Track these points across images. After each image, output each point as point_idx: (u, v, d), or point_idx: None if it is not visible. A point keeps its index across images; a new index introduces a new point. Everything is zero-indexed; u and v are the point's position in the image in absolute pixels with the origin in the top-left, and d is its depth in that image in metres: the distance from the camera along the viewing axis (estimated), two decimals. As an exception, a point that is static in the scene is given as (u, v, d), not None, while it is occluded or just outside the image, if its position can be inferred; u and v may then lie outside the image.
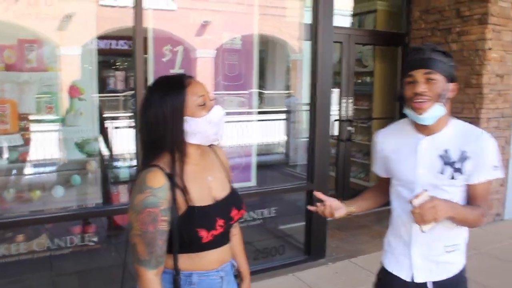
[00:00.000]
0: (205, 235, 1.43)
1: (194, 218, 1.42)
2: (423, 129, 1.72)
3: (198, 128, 1.45)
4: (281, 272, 3.89)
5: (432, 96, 1.62)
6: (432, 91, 1.62)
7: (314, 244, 4.13)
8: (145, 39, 3.44)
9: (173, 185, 1.42)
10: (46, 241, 3.48)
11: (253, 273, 3.70)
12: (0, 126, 3.31)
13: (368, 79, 6.51)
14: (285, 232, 4.49)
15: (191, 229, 1.42)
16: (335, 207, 1.82)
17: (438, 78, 1.62)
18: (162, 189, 1.39)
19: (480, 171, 1.67)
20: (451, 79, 1.66)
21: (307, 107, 4.25)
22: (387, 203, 1.95)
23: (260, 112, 6.40)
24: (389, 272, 1.84)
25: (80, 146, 3.62)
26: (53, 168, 3.75)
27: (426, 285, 1.76)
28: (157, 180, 1.39)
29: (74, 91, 3.54)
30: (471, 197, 1.72)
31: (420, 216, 1.49)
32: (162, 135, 1.44)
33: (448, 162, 1.68)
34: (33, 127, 3.52)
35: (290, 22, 4.78)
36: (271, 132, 6.81)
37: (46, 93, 3.50)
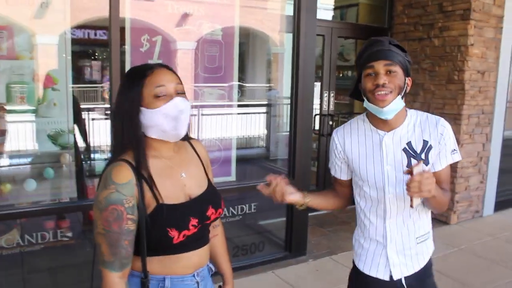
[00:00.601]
0: (176, 235, 1.33)
1: (163, 216, 1.32)
2: (382, 125, 1.69)
3: (153, 121, 1.34)
4: (261, 269, 3.82)
5: (393, 87, 1.58)
6: (394, 83, 1.58)
7: (294, 241, 4.07)
8: (122, 29, 3.33)
9: (140, 180, 1.31)
10: (16, 236, 3.35)
11: (233, 270, 3.68)
12: (-32, 116, 3.17)
13: (349, 73, 6.47)
14: (265, 228, 4.42)
15: (160, 229, 1.31)
16: (287, 191, 1.67)
17: (398, 70, 1.59)
18: (128, 185, 1.29)
19: (442, 157, 1.68)
20: (407, 73, 1.64)
21: (288, 101, 4.18)
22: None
23: (240, 105, 6.33)
24: (365, 274, 1.79)
25: (54, 138, 3.48)
26: (25, 160, 3.60)
27: (401, 282, 1.74)
28: (123, 175, 1.30)
29: (47, 81, 3.40)
30: (441, 182, 1.70)
31: (418, 186, 1.43)
32: (121, 125, 1.35)
33: (412, 155, 1.66)
34: (3, 117, 3.37)
35: (272, 15, 4.71)
36: (251, 125, 6.74)
37: (17, 82, 3.35)
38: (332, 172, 1.88)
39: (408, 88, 1.64)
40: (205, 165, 1.56)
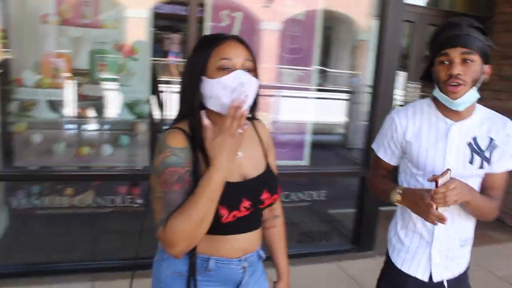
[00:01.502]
0: (226, 215, 1.25)
1: None
2: (451, 114, 1.54)
3: (211, 91, 1.26)
4: (325, 259, 3.69)
5: (469, 79, 1.43)
6: (469, 74, 1.43)
7: (363, 234, 3.88)
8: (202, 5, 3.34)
9: (195, 149, 1.25)
10: (91, 197, 3.50)
11: (295, 256, 3.61)
12: (54, 80, 3.31)
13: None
14: (333, 218, 4.29)
15: None
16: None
17: (476, 59, 1.43)
18: (184, 150, 1.24)
19: (503, 160, 1.56)
20: (486, 60, 1.46)
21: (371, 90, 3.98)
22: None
23: (320, 90, 6.15)
24: (402, 272, 1.67)
25: (130, 106, 3.57)
26: (103, 126, 3.73)
27: (442, 284, 1.63)
28: (177, 140, 1.25)
29: (127, 51, 3.47)
30: (487, 188, 1.58)
31: (443, 197, 1.34)
32: (182, 94, 1.32)
33: (476, 151, 1.53)
34: (85, 83, 3.51)
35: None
36: (330, 111, 6.57)
37: (99, 51, 3.45)
38: (381, 155, 1.74)
39: (487, 77, 1.48)
40: (266, 148, 1.47)
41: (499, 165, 1.56)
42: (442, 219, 1.37)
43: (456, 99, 1.46)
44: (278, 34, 4.07)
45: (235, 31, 3.72)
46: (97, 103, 3.62)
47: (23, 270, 3.08)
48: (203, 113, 1.25)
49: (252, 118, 1.46)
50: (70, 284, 2.96)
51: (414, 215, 1.58)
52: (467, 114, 1.54)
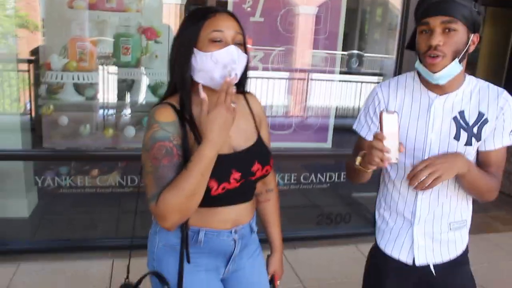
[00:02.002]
0: (215, 187, 1.26)
1: None
2: (434, 87, 1.42)
3: (202, 65, 1.27)
4: (344, 242, 3.68)
5: (449, 51, 1.31)
6: (450, 44, 1.30)
7: (384, 217, 3.85)
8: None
9: (184, 123, 1.27)
10: (117, 177, 3.61)
11: (314, 238, 3.62)
12: (80, 64, 3.42)
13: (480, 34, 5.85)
14: (354, 200, 4.26)
15: None
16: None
17: (459, 28, 1.30)
18: (172, 124, 1.25)
19: (497, 136, 1.43)
20: (473, 29, 1.33)
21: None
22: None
23: (350, 73, 6.05)
24: (385, 254, 1.59)
25: (153, 89, 3.65)
26: (126, 108, 3.83)
27: (427, 268, 1.53)
28: (166, 114, 1.26)
29: (151, 34, 3.54)
30: (485, 165, 1.45)
31: (416, 179, 1.28)
32: (172, 66, 1.32)
33: (463, 126, 1.41)
34: (109, 67, 3.60)
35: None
36: (359, 94, 6.47)
37: (124, 34, 3.53)
38: (363, 133, 1.58)
39: (472, 47, 1.36)
40: (257, 121, 1.47)
41: (493, 142, 1.44)
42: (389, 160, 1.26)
43: (435, 72, 1.34)
44: (309, 18, 4.05)
45: (258, 13, 3.72)
46: (121, 86, 3.72)
47: (49, 246, 3.23)
48: (200, 86, 1.26)
49: (243, 91, 1.47)
50: (92, 260, 3.08)
51: (399, 196, 1.53)
52: (454, 87, 1.42)
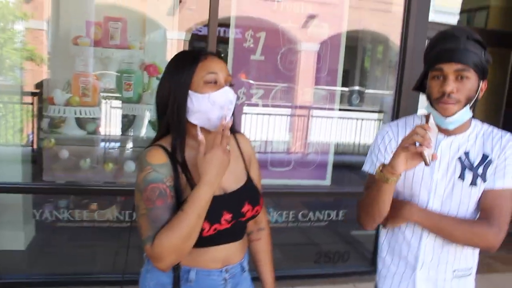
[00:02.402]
0: (207, 228, 1.28)
1: None
2: (442, 129, 1.43)
3: (199, 106, 1.30)
4: (343, 281, 3.65)
5: (462, 97, 1.34)
6: (463, 91, 1.34)
7: (382, 255, 3.82)
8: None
9: (175, 165, 1.30)
10: (115, 212, 3.62)
11: (312, 276, 3.59)
12: (82, 99, 3.47)
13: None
14: (353, 238, 4.24)
15: None
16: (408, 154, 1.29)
17: (471, 76, 1.34)
18: (164, 166, 1.27)
19: (498, 176, 1.41)
20: (482, 76, 1.37)
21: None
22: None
23: (351, 110, 6.09)
24: None
25: (154, 124, 3.69)
26: (127, 143, 3.87)
27: None
28: (157, 157, 1.29)
29: (153, 70, 3.61)
30: (483, 208, 1.42)
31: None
32: (165, 108, 1.33)
33: (468, 166, 1.42)
34: (111, 102, 3.67)
35: (395, 18, 4.48)
36: (359, 131, 6.52)
37: (126, 70, 3.60)
38: (371, 169, 1.56)
39: (481, 94, 1.40)
40: (247, 161, 1.50)
41: (492, 181, 1.42)
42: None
43: (448, 117, 1.37)
44: (310, 55, 4.13)
45: (258, 51, 3.80)
46: (123, 121, 3.77)
47: (45, 280, 3.20)
48: (198, 128, 1.30)
49: (233, 131, 1.50)
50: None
51: (401, 238, 1.51)
52: (461, 130, 1.45)
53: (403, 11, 3.58)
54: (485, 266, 4.01)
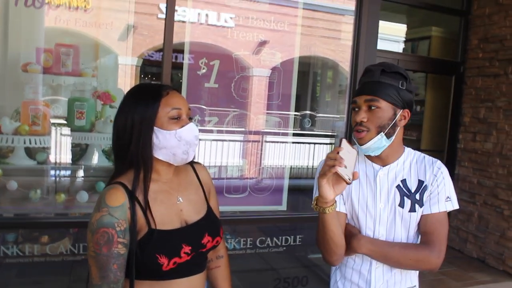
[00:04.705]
0: (166, 263, 1.28)
1: (153, 242, 1.28)
2: (376, 159, 1.55)
3: (165, 143, 1.31)
4: (302, 305, 3.67)
5: (371, 127, 1.44)
6: (373, 121, 1.44)
7: (340, 278, 3.86)
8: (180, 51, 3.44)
9: (134, 204, 1.28)
10: (68, 245, 3.48)
11: (273, 303, 3.56)
12: (32, 127, 3.36)
13: (418, 108, 6.19)
14: (311, 262, 4.27)
15: (149, 255, 1.27)
16: (329, 179, 1.33)
17: (382, 105, 1.44)
18: (120, 208, 1.26)
19: (433, 201, 1.51)
20: (402, 105, 1.47)
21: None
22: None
23: (300, 135, 6.19)
24: None
25: (108, 153, 3.62)
26: (79, 173, 3.76)
27: None
28: (116, 198, 1.27)
29: (106, 98, 3.55)
30: (423, 232, 1.52)
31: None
32: (128, 144, 1.31)
33: (406, 194, 1.51)
34: (62, 130, 3.56)
35: (345, 45, 4.64)
36: (312, 155, 6.63)
37: (78, 98, 3.53)
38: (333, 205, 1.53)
39: (403, 121, 1.49)
40: (207, 191, 1.51)
41: (428, 207, 1.51)
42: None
43: (362, 144, 1.47)
44: (263, 80, 4.19)
45: (212, 79, 3.83)
46: (75, 150, 3.66)
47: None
48: None
49: (192, 162, 1.50)
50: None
51: (352, 265, 1.57)
52: (393, 158, 1.54)
53: (353, 39, 3.72)
54: (438, 282, 4.14)
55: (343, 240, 1.48)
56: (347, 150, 1.34)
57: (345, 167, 1.30)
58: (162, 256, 1.27)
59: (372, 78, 1.46)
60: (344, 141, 1.36)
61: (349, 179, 1.32)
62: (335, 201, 1.39)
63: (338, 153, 1.31)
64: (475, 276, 4.45)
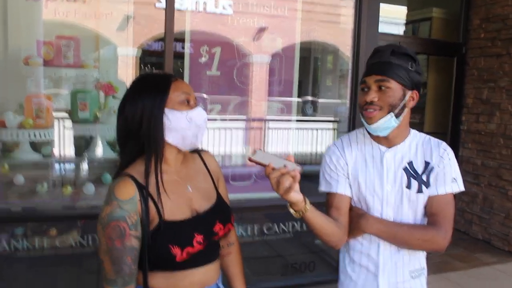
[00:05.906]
0: (179, 253, 1.27)
1: (165, 233, 1.27)
2: (382, 141, 1.55)
3: (176, 124, 1.30)
4: (310, 290, 3.69)
5: (383, 105, 1.45)
6: (383, 100, 1.45)
7: (348, 262, 3.88)
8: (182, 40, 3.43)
9: (144, 196, 1.27)
10: (76, 237, 3.50)
11: (279, 288, 3.58)
12: (36, 121, 3.36)
13: (420, 91, 6.18)
14: (318, 248, 4.29)
15: (162, 246, 1.26)
16: (294, 187, 1.26)
17: (392, 86, 1.44)
18: (130, 201, 1.25)
19: (440, 183, 1.52)
20: (411, 86, 1.47)
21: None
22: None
23: (301, 120, 6.18)
24: None
25: (112, 144, 3.62)
26: (84, 165, 3.76)
27: None
28: (126, 191, 1.26)
29: (108, 89, 3.54)
30: (430, 214, 1.53)
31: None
32: (137, 129, 1.29)
33: (413, 175, 1.52)
34: (66, 123, 3.56)
35: (345, 29, 4.61)
36: (315, 141, 6.63)
37: (81, 90, 3.52)
38: (334, 189, 1.57)
39: (412, 103, 1.49)
40: (215, 178, 1.50)
41: (434, 188, 1.51)
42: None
43: (371, 124, 1.47)
44: (264, 67, 4.18)
45: (215, 66, 3.81)
46: (79, 142, 3.66)
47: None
48: None
49: (198, 150, 1.50)
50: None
51: (360, 248, 1.58)
52: (400, 140, 1.54)
53: (354, 23, 3.69)
54: (444, 264, 4.17)
55: (334, 227, 1.48)
56: (262, 157, 1.28)
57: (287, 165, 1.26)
58: (174, 247, 1.26)
59: (382, 59, 1.46)
60: (254, 155, 1.28)
61: (297, 165, 1.27)
62: (305, 197, 1.32)
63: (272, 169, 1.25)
64: (480, 257, 4.47)
